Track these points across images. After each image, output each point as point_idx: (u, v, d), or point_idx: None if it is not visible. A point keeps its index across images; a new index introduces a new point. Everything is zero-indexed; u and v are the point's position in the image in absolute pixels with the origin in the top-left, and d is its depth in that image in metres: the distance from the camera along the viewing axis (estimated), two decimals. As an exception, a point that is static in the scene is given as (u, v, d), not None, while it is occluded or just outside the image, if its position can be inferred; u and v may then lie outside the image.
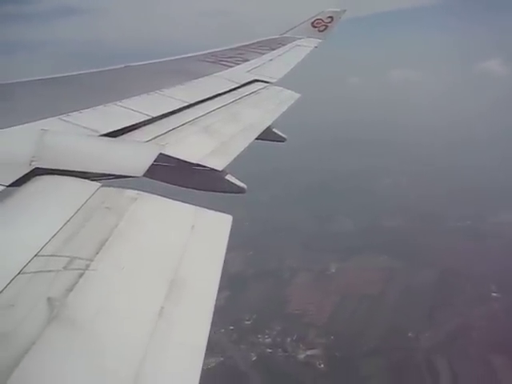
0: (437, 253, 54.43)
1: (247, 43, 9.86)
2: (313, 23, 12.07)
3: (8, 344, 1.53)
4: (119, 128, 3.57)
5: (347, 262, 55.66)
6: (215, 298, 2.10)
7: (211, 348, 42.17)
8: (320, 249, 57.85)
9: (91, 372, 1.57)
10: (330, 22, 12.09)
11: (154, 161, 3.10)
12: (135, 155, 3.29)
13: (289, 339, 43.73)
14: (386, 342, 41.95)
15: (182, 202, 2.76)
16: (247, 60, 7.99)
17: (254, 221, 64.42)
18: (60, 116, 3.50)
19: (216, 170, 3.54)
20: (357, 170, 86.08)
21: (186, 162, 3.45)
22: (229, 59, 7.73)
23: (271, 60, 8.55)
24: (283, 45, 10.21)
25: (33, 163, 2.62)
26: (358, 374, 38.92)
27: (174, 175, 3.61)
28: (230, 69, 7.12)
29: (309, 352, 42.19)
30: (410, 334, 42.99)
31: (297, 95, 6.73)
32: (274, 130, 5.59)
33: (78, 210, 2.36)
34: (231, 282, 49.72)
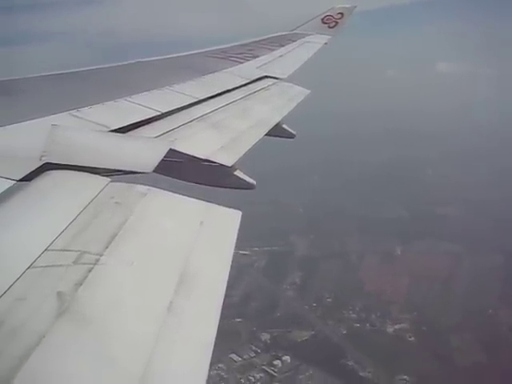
0: (495, 239, 54.13)
1: (257, 39, 9.82)
2: (323, 19, 11.98)
3: (18, 337, 1.54)
4: (129, 123, 3.58)
5: (411, 246, 55.62)
6: (224, 294, 2.10)
7: (300, 322, 43.07)
8: (379, 233, 57.74)
9: (100, 366, 1.57)
10: (340, 19, 12.00)
11: (164, 156, 3.10)
12: (145, 151, 3.30)
13: (373, 315, 44.52)
14: (468, 318, 42.75)
15: (193, 197, 2.76)
16: (257, 56, 7.96)
17: (306, 207, 65.43)
18: (70, 111, 3.51)
19: (225, 166, 3.54)
20: (392, 161, 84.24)
21: (195, 157, 3.45)
22: (238, 55, 7.71)
23: (281, 56, 8.52)
24: (293, 41, 10.16)
25: (43, 158, 2.63)
26: (450, 346, 39.84)
27: (183, 171, 3.61)
28: (240, 65, 7.10)
29: (396, 326, 43.24)
30: (490, 311, 43.74)
31: (306, 91, 6.70)
32: (283, 126, 5.57)
33: (88, 204, 2.36)
34: (301, 264, 50.78)
